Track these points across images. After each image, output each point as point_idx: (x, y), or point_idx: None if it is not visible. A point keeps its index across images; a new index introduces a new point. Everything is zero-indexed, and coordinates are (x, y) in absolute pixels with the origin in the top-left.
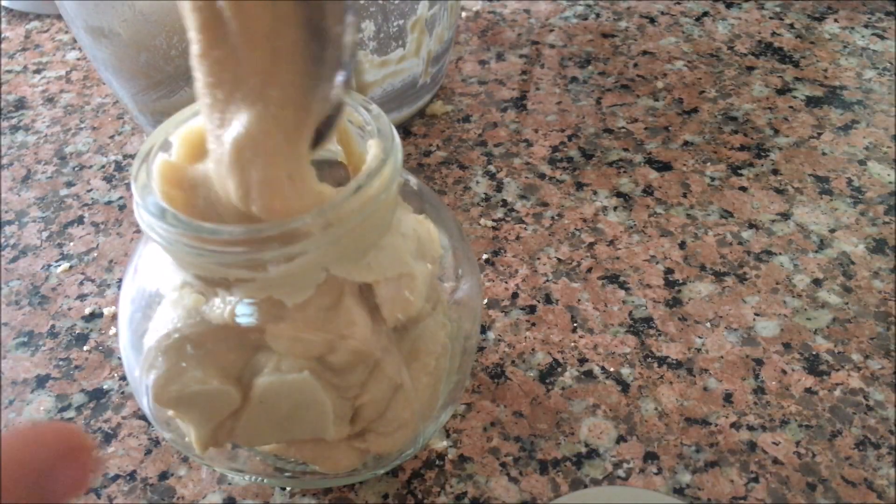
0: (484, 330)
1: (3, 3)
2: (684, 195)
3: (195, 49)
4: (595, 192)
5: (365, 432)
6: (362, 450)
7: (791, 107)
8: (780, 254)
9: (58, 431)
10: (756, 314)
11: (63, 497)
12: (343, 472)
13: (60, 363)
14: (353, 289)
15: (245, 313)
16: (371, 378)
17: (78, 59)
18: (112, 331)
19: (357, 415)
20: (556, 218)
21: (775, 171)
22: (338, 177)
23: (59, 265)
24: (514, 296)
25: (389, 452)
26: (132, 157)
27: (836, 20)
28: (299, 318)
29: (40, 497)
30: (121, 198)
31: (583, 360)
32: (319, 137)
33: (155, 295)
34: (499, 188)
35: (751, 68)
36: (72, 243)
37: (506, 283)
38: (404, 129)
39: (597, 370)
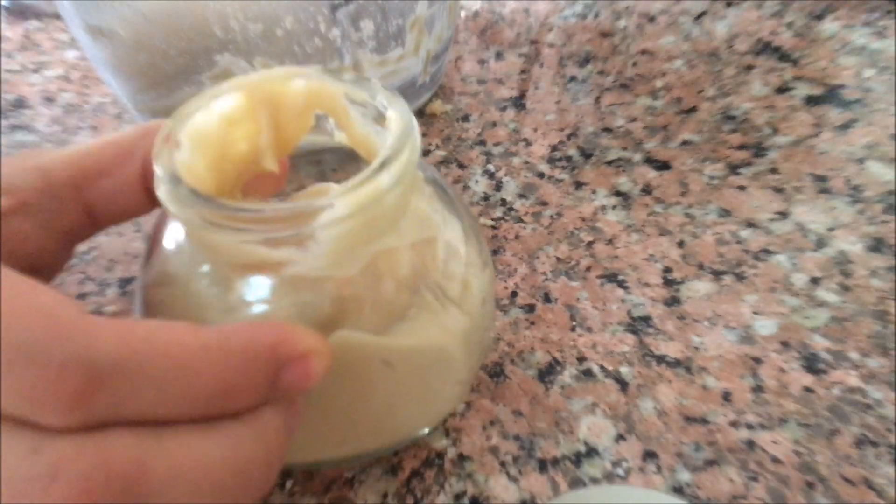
0: None
1: (3, 3)
2: (683, 194)
3: None
4: (594, 192)
5: None
6: None
7: (790, 106)
8: (779, 252)
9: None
10: (754, 313)
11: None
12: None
13: None
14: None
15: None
16: None
17: (77, 59)
18: None
19: None
20: (555, 217)
21: (774, 170)
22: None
23: None
24: (514, 295)
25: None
26: None
27: (835, 19)
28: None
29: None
30: None
31: (582, 359)
32: None
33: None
34: (498, 187)
35: (750, 67)
36: None
37: (505, 282)
38: None
39: (596, 369)
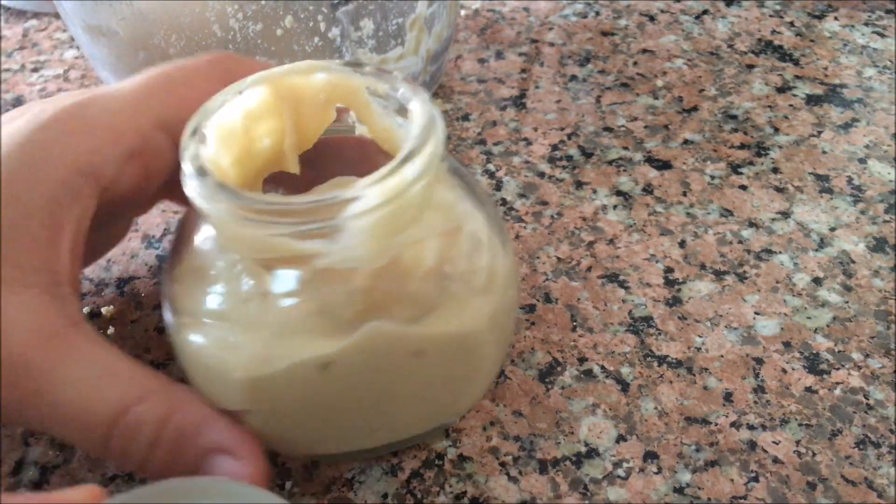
0: None
1: (2, 2)
2: (684, 194)
3: None
4: (595, 191)
5: None
6: None
7: (791, 105)
8: (781, 252)
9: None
10: (756, 313)
11: None
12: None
13: None
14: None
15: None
16: None
17: (76, 58)
18: (110, 330)
19: None
20: (556, 217)
21: (775, 170)
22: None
23: None
24: None
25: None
26: None
27: (836, 18)
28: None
29: None
30: None
31: (582, 360)
32: None
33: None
34: (498, 187)
35: (751, 66)
36: None
37: None
38: None
39: (596, 369)
